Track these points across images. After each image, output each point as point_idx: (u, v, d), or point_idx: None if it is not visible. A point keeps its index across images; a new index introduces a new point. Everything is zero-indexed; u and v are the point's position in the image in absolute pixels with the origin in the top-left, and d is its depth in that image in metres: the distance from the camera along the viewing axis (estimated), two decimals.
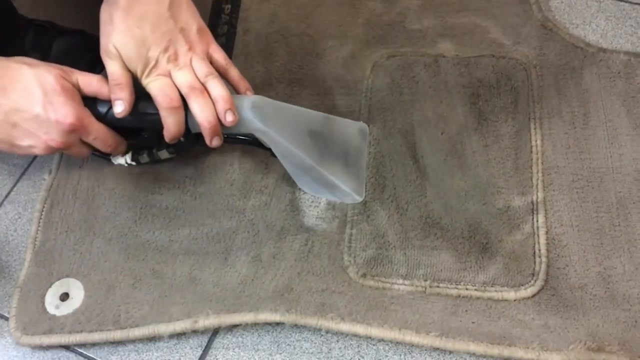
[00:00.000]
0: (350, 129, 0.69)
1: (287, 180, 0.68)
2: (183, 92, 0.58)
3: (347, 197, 0.66)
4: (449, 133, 0.69)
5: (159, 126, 0.60)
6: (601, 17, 0.76)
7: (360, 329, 0.58)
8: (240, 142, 0.66)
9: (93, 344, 0.61)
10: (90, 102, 0.60)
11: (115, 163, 0.67)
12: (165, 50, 0.58)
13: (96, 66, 0.75)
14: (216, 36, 0.80)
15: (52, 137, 0.58)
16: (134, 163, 0.66)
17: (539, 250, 0.61)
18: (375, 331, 0.58)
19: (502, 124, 0.69)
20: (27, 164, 0.74)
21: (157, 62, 0.58)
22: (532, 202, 0.63)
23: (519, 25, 0.76)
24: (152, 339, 0.61)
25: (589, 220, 0.62)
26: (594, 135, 0.67)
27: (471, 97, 0.71)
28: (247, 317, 0.60)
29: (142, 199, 0.69)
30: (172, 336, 0.60)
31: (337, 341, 0.60)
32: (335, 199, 0.66)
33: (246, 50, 0.79)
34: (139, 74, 0.58)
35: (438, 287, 0.60)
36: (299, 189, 0.67)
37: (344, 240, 0.64)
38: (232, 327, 0.61)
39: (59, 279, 0.64)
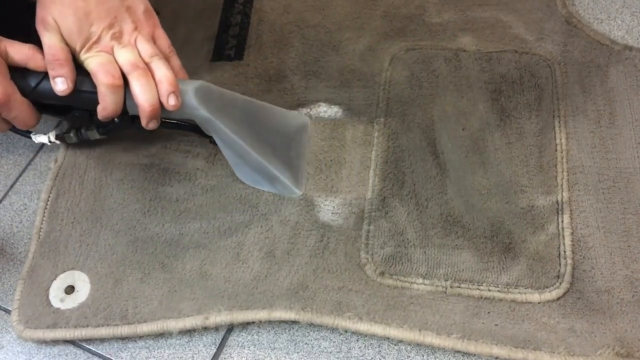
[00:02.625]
0: (293, 120, 0.68)
1: None
2: (125, 71, 0.55)
3: (287, 190, 0.64)
4: (470, 129, 0.67)
5: (93, 105, 0.57)
6: (626, 13, 0.74)
7: (378, 329, 0.56)
8: (180, 128, 0.64)
9: (101, 340, 0.58)
10: (17, 73, 0.56)
11: (37, 141, 0.64)
12: (110, 26, 0.55)
13: None
14: (229, 26, 0.78)
15: None
16: (57, 142, 0.63)
17: (564, 251, 0.59)
18: (394, 332, 0.55)
19: (526, 121, 0.67)
20: (33, 153, 0.71)
21: (99, 37, 0.55)
22: (557, 202, 0.61)
23: (543, 20, 0.74)
24: (163, 335, 0.58)
25: (615, 221, 0.60)
26: (620, 135, 0.65)
27: (493, 92, 0.69)
28: (261, 315, 0.57)
29: (151, 190, 0.66)
30: (184, 333, 0.58)
31: (357, 340, 0.57)
32: (274, 191, 0.65)
33: (260, 40, 0.77)
34: (77, 48, 0.55)
35: (459, 287, 0.58)
36: (312, 182, 0.65)
37: (361, 237, 0.62)
38: (247, 325, 0.59)
39: (64, 271, 0.62)
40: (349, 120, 0.69)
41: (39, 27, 0.55)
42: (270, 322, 0.58)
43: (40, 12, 0.55)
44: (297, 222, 0.63)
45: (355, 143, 0.67)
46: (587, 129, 0.66)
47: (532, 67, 0.70)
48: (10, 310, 0.60)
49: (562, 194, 0.62)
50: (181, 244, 0.63)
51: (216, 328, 0.58)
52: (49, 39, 0.55)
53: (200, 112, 0.58)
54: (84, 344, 0.59)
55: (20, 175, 0.70)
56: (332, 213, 0.63)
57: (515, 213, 0.61)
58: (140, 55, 0.56)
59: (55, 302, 0.60)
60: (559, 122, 0.66)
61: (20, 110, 0.57)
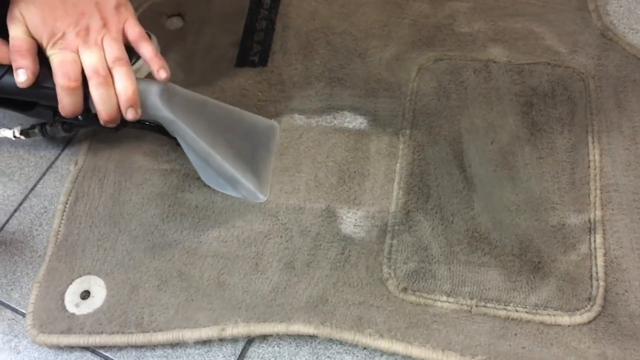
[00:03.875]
0: (261, 125, 0.67)
1: (321, 184, 0.64)
2: (86, 75, 0.54)
3: (251, 195, 0.63)
4: (499, 142, 0.65)
5: (55, 102, 0.56)
6: None
7: (400, 347, 0.54)
8: (144, 128, 0.63)
9: (119, 348, 0.57)
10: None
11: (0, 136, 0.63)
12: (76, 23, 0.54)
13: (131, 56, 0.72)
14: (254, 31, 0.77)
15: None
16: (22, 137, 0.62)
17: (596, 273, 0.56)
18: (416, 351, 0.53)
19: (558, 135, 0.64)
20: (54, 156, 0.70)
21: (64, 34, 0.54)
22: (589, 221, 0.59)
23: (577, 32, 0.72)
24: (181, 344, 0.57)
25: None
26: None
27: (524, 105, 0.67)
28: (279, 328, 0.56)
29: (170, 196, 0.65)
30: (202, 343, 0.57)
31: (381, 355, 0.55)
32: (238, 196, 0.64)
33: (285, 46, 0.75)
34: (44, 43, 0.54)
35: (485, 307, 0.56)
36: (334, 193, 0.63)
37: (383, 251, 0.60)
38: (267, 336, 0.57)
39: (80, 275, 0.61)
40: (374, 131, 0.67)
41: (8, 22, 0.55)
42: (290, 334, 0.56)
43: (10, 7, 0.55)
44: (318, 233, 0.62)
45: (380, 155, 0.66)
46: (622, 146, 0.63)
47: (565, 81, 0.68)
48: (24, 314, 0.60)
49: (594, 213, 0.59)
50: (199, 252, 0.61)
51: (234, 339, 0.56)
52: (13, 31, 0.54)
53: (164, 113, 0.57)
54: (101, 352, 0.57)
55: (40, 178, 0.69)
56: (355, 225, 0.62)
57: (545, 231, 0.59)
58: (105, 58, 0.55)
59: (71, 307, 0.59)
60: (593, 137, 0.64)
61: None
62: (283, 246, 0.61)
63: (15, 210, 0.67)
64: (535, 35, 0.72)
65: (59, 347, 0.57)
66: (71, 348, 0.58)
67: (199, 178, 0.66)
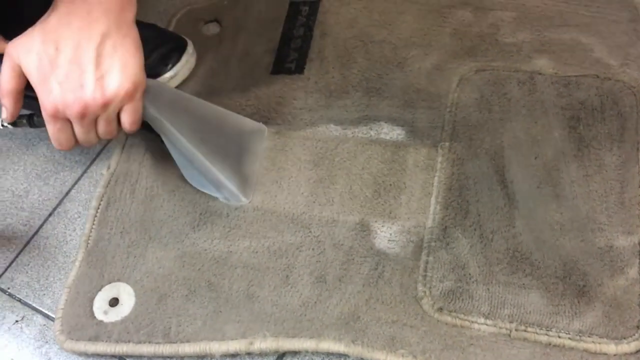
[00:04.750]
0: (248, 128, 0.66)
1: (355, 196, 0.62)
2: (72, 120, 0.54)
3: (233, 198, 0.63)
4: (543, 158, 0.62)
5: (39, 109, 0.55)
6: None
7: None
8: None
9: (146, 358, 0.56)
10: None
11: None
12: (78, 114, 0.53)
13: (167, 62, 0.72)
14: (291, 38, 0.76)
15: None
16: (9, 127, 0.60)
17: None
18: None
19: (606, 152, 0.61)
20: (89, 161, 0.70)
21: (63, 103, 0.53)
22: (639, 244, 0.56)
23: (628, 45, 0.68)
24: (207, 357, 0.55)
25: None
26: None
27: (570, 120, 0.64)
28: (308, 344, 0.54)
29: (202, 204, 0.64)
30: (230, 356, 0.55)
31: None
32: (220, 197, 0.63)
33: (322, 54, 0.74)
34: (36, 83, 0.53)
35: (525, 331, 0.53)
36: (369, 206, 0.62)
37: (418, 268, 0.58)
38: (297, 352, 0.55)
39: (109, 282, 0.60)
40: (412, 143, 0.65)
41: (6, 49, 0.53)
42: (320, 352, 0.55)
43: (14, 39, 0.53)
44: (351, 247, 0.60)
45: (417, 167, 0.63)
46: None
47: (614, 94, 0.65)
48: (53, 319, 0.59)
49: None
50: (229, 262, 0.60)
51: (263, 354, 0.55)
52: (5, 71, 0.53)
53: (149, 111, 0.57)
54: None
55: (75, 183, 0.69)
56: (389, 240, 0.60)
57: (591, 253, 0.56)
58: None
59: (99, 314, 0.58)
60: None
61: None
62: (315, 259, 0.59)
63: (50, 215, 0.67)
64: (583, 47, 0.69)
65: (87, 355, 0.57)
66: (99, 356, 0.57)
67: None
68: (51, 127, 0.55)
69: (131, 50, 0.53)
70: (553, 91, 0.66)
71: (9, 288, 0.62)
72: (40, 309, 0.61)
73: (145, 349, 0.55)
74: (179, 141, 0.59)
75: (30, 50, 0.52)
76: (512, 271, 0.56)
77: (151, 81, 0.57)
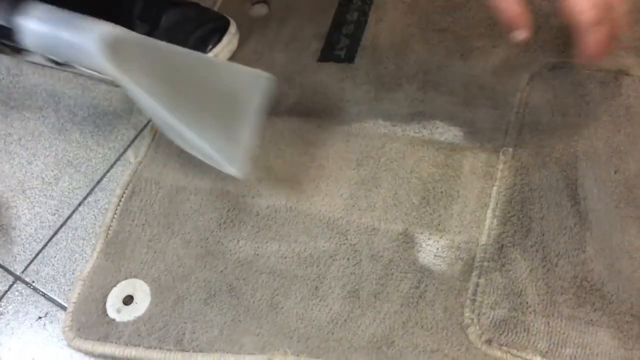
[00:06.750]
0: (243, 79, 0.55)
1: (400, 203, 0.55)
2: None
3: (223, 167, 0.53)
4: (625, 173, 0.53)
5: None
6: None
7: None
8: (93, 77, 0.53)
9: None
10: None
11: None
12: None
13: (208, 42, 0.67)
14: (343, 23, 0.70)
15: None
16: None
17: None
18: None
19: None
20: (124, 147, 0.66)
21: None
22: None
23: None
24: None
25: None
26: None
27: None
28: None
29: (231, 199, 0.59)
30: None
31: None
32: (210, 164, 0.54)
33: (376, 41, 0.67)
34: None
35: None
36: (415, 215, 0.54)
37: (466, 291, 0.50)
38: None
39: (126, 278, 0.56)
40: (469, 146, 0.57)
41: None
42: None
43: None
44: (391, 260, 0.53)
45: (474, 175, 0.56)
46: None
47: None
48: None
49: None
50: (254, 267, 0.54)
51: None
52: None
53: (108, 69, 0.47)
54: None
55: (107, 171, 0.65)
56: (435, 256, 0.52)
57: None
58: None
59: (112, 312, 0.54)
60: None
61: None
62: (349, 271, 0.53)
63: (80, 204, 0.63)
64: None
65: (94, 355, 0.52)
66: (107, 357, 0.52)
67: (263, 181, 0.59)
68: None
69: None
70: None
71: (33, 282, 0.58)
72: (65, 305, 0.56)
73: (156, 355, 0.50)
74: (151, 105, 0.50)
75: None
76: (579, 304, 0.48)
77: (111, 28, 0.48)
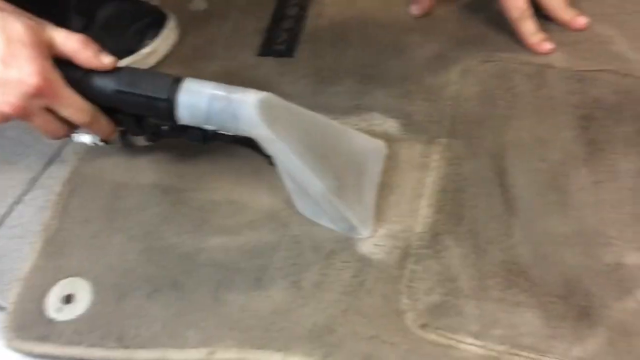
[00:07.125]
0: (367, 147, 0.57)
1: None
2: None
3: (351, 230, 0.54)
4: (549, 161, 0.56)
5: (140, 109, 0.52)
6: None
7: None
8: (237, 142, 0.54)
9: None
10: (62, 65, 0.50)
11: (76, 141, 0.57)
12: None
13: (145, 36, 0.67)
14: (283, 18, 0.70)
15: (7, 100, 0.48)
16: (101, 144, 0.57)
17: None
18: None
19: (621, 158, 0.55)
20: (61, 144, 0.65)
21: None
22: None
23: None
24: None
25: None
26: None
27: (583, 120, 0.58)
28: (275, 358, 0.49)
29: (174, 194, 0.59)
30: None
31: None
32: (337, 229, 0.55)
33: (316, 36, 0.69)
34: None
35: (518, 355, 0.47)
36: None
37: (403, 278, 0.52)
38: None
39: (66, 276, 0.55)
40: (405, 137, 0.60)
41: None
42: None
43: None
44: (332, 250, 0.54)
45: (409, 165, 0.58)
46: None
47: (634, 93, 0.59)
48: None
49: None
50: (198, 260, 0.55)
51: None
52: None
53: (261, 130, 0.49)
54: None
55: (45, 168, 0.64)
56: (374, 245, 0.54)
57: (597, 270, 0.50)
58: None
59: (51, 312, 0.53)
60: None
61: (70, 100, 0.50)
62: (291, 261, 0.54)
63: (17, 203, 0.62)
64: (602, 39, 0.63)
65: (33, 355, 0.52)
66: (48, 357, 0.52)
67: (206, 174, 0.60)
68: None
69: None
70: (564, 87, 0.60)
71: None
72: (4, 305, 0.55)
73: (97, 353, 0.50)
74: (295, 165, 0.51)
75: None
76: (507, 287, 0.50)
77: (263, 94, 0.50)
